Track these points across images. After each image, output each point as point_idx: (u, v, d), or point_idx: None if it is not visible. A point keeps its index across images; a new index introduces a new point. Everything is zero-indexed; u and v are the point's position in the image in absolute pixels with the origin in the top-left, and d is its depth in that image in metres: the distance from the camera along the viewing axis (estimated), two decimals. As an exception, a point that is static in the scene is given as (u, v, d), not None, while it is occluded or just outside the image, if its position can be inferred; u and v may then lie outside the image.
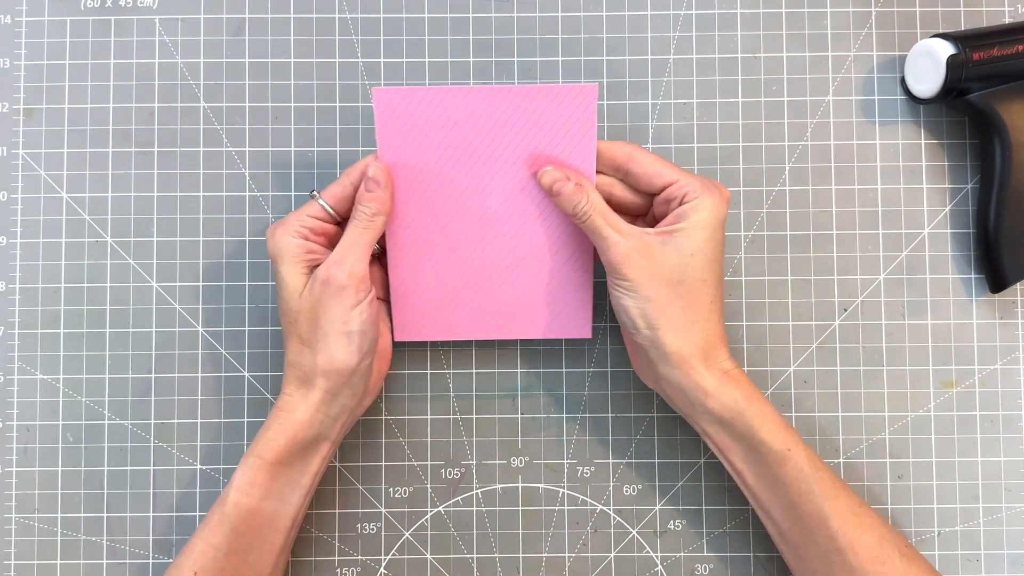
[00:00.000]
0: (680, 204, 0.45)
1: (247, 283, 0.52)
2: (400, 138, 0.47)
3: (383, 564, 0.52)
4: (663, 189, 0.46)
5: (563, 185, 0.46)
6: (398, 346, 0.52)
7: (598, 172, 0.48)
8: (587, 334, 0.51)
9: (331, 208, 0.47)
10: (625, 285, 0.45)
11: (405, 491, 0.52)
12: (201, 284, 0.52)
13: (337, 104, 0.53)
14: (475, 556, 0.52)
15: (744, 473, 0.46)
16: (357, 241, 0.45)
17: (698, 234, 0.44)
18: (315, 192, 0.47)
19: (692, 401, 0.45)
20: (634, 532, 0.52)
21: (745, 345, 0.52)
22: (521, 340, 0.52)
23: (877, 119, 0.53)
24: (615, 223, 0.45)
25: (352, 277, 0.45)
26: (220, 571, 0.45)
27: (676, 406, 0.47)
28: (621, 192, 0.48)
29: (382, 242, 0.50)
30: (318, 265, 0.46)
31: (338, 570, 0.52)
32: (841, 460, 0.52)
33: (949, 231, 0.53)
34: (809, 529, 0.45)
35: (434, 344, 0.52)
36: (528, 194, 0.48)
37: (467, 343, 0.52)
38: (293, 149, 0.53)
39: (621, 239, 0.45)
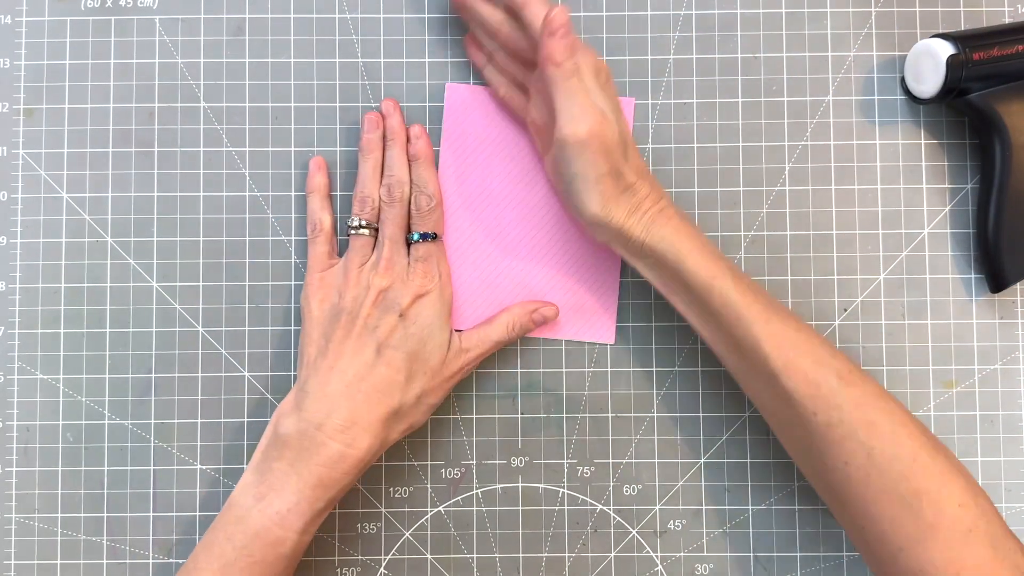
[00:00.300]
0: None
1: (247, 283, 0.52)
2: (461, 130, 0.52)
3: (383, 564, 0.52)
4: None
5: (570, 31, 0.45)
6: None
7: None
8: (610, 339, 0.52)
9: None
10: (570, 157, 0.45)
11: (405, 491, 0.52)
12: (201, 284, 0.52)
13: (337, 104, 0.53)
14: (475, 556, 0.52)
15: (686, 313, 0.46)
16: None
17: (599, 99, 0.45)
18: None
19: (621, 242, 0.46)
20: (634, 532, 0.52)
21: (745, 345, 0.52)
22: (520, 339, 0.52)
23: (877, 119, 0.53)
24: (583, 94, 0.45)
25: None
26: None
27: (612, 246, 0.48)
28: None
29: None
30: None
31: (338, 570, 0.52)
32: (841, 460, 0.52)
33: (949, 231, 0.53)
34: (746, 357, 0.45)
35: (434, 344, 0.52)
36: None
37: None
38: (293, 149, 0.53)
39: (589, 111, 0.45)
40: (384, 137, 0.51)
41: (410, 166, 0.51)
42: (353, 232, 0.49)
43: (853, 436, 0.42)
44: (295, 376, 0.52)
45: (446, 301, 0.49)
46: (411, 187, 0.50)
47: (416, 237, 0.49)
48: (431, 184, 0.50)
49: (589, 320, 0.52)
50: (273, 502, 0.44)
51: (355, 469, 0.46)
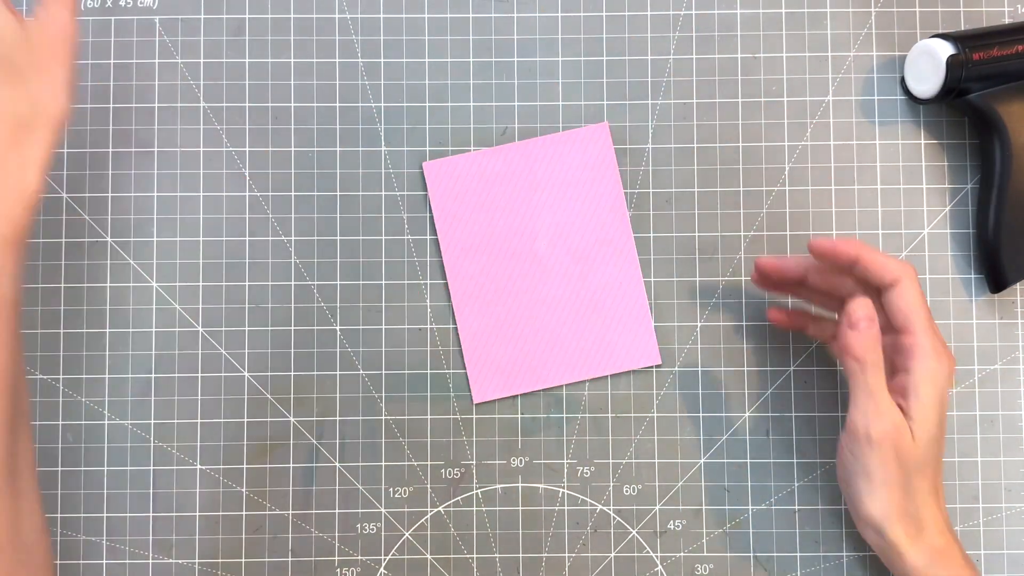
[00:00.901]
0: (908, 364, 0.44)
1: (247, 283, 0.52)
2: (450, 201, 0.52)
3: (383, 564, 0.52)
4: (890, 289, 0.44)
5: (871, 324, 0.43)
6: (399, 347, 0.52)
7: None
8: (656, 360, 0.52)
9: None
10: (856, 452, 0.44)
11: (405, 491, 0.52)
12: (201, 284, 0.52)
13: (337, 104, 0.53)
14: (475, 556, 0.52)
15: None
16: None
17: (929, 415, 0.43)
18: None
19: (889, 561, 0.45)
20: (634, 532, 0.52)
21: (745, 345, 0.52)
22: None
23: (877, 119, 0.53)
24: (883, 392, 0.43)
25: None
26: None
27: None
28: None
29: None
30: None
31: (338, 570, 0.52)
32: (841, 460, 0.52)
33: (949, 231, 0.53)
34: None
35: (434, 344, 0.52)
36: (570, 234, 0.52)
37: (460, 345, 0.52)
38: (293, 149, 0.53)
39: (884, 414, 0.43)
40: None
41: None
42: None
43: None
44: (295, 376, 0.52)
45: None
46: None
47: None
48: None
49: (630, 349, 0.52)
50: None
51: (27, 197, 0.41)
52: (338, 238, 0.52)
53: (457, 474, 0.52)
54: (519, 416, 0.52)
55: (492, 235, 0.52)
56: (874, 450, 0.43)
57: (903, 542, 0.43)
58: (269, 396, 0.52)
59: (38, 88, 0.43)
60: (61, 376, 0.52)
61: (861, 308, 0.43)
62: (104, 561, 0.51)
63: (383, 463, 0.52)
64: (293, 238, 0.52)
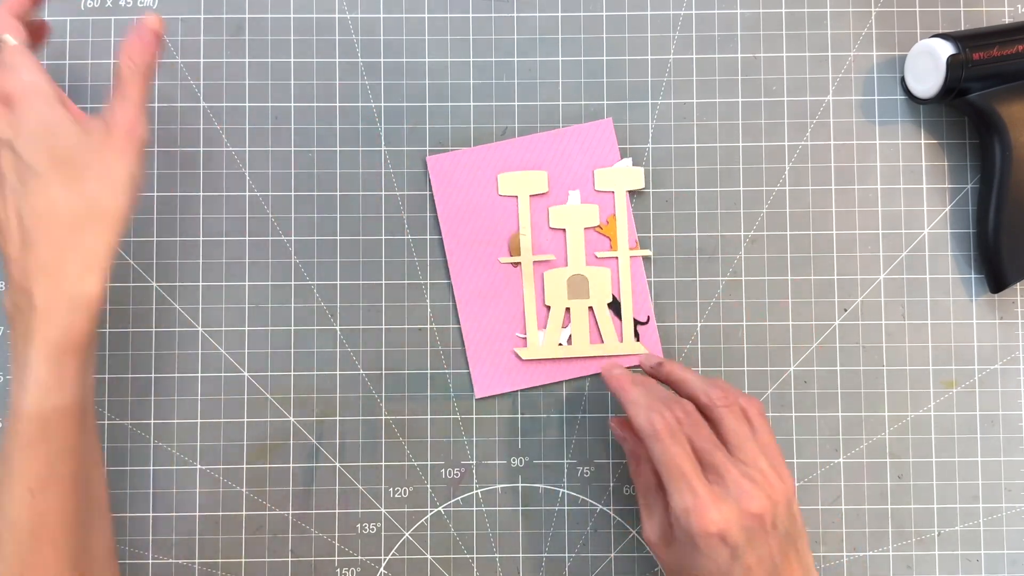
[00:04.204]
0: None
1: (247, 283, 0.52)
2: (454, 196, 0.52)
3: (383, 564, 0.52)
4: None
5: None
6: (399, 347, 0.52)
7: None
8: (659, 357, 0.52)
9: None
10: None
11: (405, 491, 0.52)
12: (201, 284, 0.52)
13: (337, 104, 0.53)
14: (475, 556, 0.52)
15: None
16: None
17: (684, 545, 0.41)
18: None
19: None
20: (634, 532, 0.52)
21: (745, 345, 0.52)
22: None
23: (877, 119, 0.53)
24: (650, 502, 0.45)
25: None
26: (74, 509, 0.40)
27: None
28: None
29: None
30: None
31: (338, 570, 0.52)
32: (841, 460, 0.52)
33: (949, 231, 0.53)
34: None
35: (434, 344, 0.52)
36: None
37: (461, 344, 0.52)
38: (293, 149, 0.53)
39: (650, 522, 0.44)
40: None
41: None
42: None
43: None
44: (295, 376, 0.52)
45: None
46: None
47: None
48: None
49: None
50: (31, 375, 0.41)
51: (89, 309, 0.41)
52: (338, 238, 0.52)
53: (457, 474, 0.52)
54: (519, 416, 0.52)
55: (494, 229, 0.52)
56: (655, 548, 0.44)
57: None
58: (269, 396, 0.52)
59: (96, 187, 0.41)
60: (61, 376, 0.52)
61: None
62: (104, 561, 0.51)
63: (383, 463, 0.52)
64: (293, 238, 0.52)
